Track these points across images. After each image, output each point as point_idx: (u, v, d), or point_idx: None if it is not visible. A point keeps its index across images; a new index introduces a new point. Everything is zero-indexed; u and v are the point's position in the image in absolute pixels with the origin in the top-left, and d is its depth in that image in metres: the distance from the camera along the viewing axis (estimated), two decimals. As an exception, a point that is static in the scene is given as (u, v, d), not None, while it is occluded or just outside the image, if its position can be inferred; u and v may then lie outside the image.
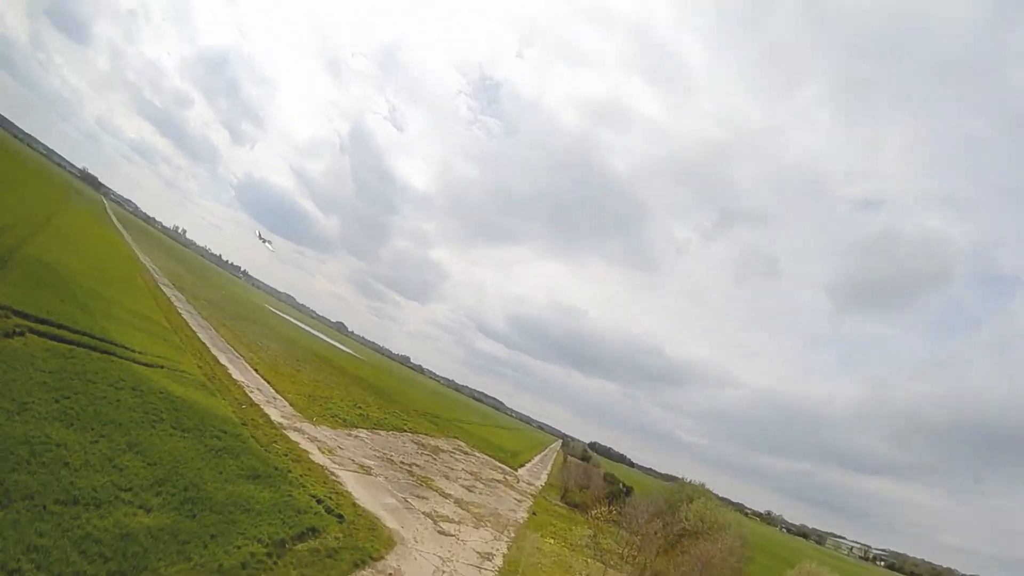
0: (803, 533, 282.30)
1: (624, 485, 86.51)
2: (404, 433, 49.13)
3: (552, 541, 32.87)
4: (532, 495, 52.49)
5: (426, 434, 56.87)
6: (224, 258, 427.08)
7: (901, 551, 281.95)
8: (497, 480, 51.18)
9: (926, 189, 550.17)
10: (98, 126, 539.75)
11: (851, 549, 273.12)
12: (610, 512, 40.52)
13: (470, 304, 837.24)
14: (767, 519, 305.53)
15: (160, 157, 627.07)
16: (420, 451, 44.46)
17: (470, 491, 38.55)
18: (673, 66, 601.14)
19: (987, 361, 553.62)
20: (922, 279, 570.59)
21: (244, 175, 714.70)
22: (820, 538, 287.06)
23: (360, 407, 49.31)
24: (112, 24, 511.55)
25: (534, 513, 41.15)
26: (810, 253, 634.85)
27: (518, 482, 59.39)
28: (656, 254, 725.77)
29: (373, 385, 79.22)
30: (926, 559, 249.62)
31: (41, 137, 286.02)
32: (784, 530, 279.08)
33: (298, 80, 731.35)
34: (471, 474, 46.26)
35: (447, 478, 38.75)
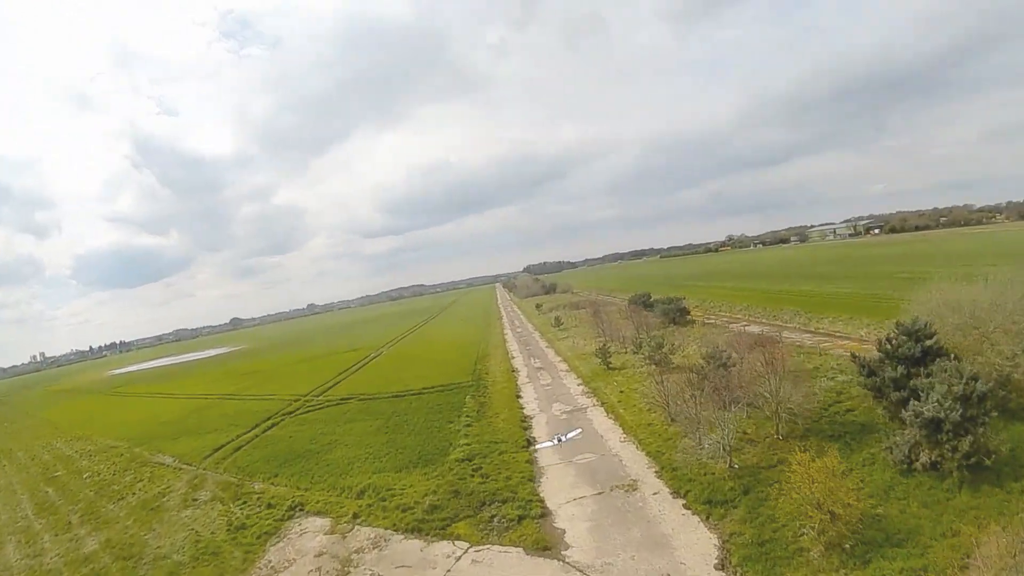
0: (780, 240, 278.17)
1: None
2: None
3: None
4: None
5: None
6: (92, 346, 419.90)
7: (857, 215, 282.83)
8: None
9: None
10: None
11: (834, 232, 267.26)
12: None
13: (340, 221, 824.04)
14: (736, 243, 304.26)
15: None
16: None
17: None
18: None
19: (841, 18, 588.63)
20: None
21: (72, 259, 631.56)
22: (801, 235, 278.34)
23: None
24: None
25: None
26: None
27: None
28: (479, 68, 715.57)
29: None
30: (916, 209, 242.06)
31: None
32: (759, 245, 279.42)
33: (55, 139, 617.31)
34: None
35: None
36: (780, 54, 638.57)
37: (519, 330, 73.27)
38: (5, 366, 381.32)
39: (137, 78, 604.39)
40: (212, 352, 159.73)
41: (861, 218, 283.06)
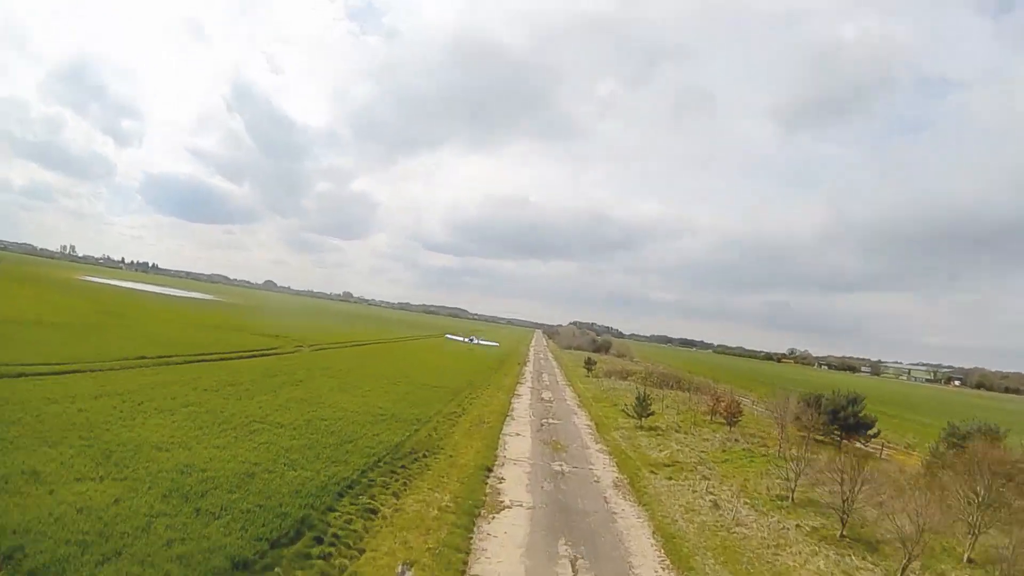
0: (848, 366, 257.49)
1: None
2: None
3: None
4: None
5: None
6: (124, 259, 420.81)
7: (912, 361, 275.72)
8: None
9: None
10: None
11: (909, 372, 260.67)
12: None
13: (408, 224, 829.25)
14: (798, 357, 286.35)
15: (56, 192, 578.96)
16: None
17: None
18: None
19: (941, 162, 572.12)
20: (865, 87, 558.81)
21: (142, 175, 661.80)
22: (874, 368, 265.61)
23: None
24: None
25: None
26: (746, 79, 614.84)
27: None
28: (580, 118, 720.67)
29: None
30: (980, 367, 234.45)
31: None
32: (824, 367, 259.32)
33: (161, 58, 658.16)
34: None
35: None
36: (871, 181, 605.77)
37: (546, 396, 43.34)
38: (36, 245, 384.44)
39: (255, 29, 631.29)
40: (190, 294, 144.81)
41: (940, 365, 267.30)
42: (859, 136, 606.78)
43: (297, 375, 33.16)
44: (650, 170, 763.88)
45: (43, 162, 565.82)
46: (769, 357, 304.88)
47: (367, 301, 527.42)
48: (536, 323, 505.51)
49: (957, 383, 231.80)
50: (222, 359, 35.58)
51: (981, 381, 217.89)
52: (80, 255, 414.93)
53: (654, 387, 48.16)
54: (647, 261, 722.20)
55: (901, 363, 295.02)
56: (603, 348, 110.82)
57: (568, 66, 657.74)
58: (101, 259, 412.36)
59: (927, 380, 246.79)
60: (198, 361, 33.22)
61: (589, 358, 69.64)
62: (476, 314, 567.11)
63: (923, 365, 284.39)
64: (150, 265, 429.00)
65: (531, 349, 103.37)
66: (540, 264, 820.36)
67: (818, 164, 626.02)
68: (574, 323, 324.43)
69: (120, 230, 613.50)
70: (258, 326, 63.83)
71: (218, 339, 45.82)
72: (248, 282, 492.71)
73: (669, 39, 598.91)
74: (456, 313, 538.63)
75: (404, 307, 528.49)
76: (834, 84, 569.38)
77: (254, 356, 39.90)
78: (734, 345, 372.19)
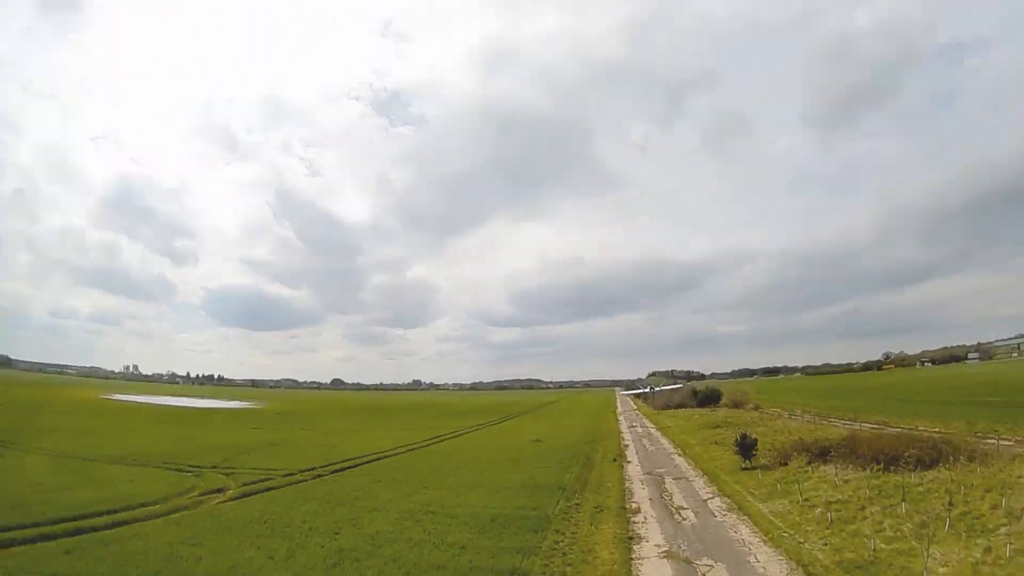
0: (952, 357, 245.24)
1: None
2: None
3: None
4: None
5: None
6: (190, 373, 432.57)
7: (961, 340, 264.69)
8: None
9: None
10: (53, 317, 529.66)
11: (1019, 347, 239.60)
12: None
13: (468, 304, 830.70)
14: (898, 360, 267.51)
15: (120, 315, 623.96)
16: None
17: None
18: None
19: (983, 125, 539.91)
20: (888, 69, 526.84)
21: (202, 291, 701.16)
22: (984, 352, 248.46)
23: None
24: (7, 211, 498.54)
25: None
26: (774, 93, 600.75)
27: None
28: (620, 166, 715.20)
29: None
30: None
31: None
32: (928, 363, 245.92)
33: (203, 174, 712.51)
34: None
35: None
36: (915, 166, 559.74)
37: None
38: (105, 368, 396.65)
39: (287, 136, 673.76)
40: (232, 404, 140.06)
41: None
42: (895, 124, 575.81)
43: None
44: (697, 205, 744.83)
45: (105, 288, 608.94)
46: (867, 368, 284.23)
47: (438, 386, 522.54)
48: (613, 380, 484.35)
49: None
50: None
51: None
52: (146, 373, 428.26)
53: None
54: (710, 297, 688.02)
55: (1005, 339, 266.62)
56: (712, 400, 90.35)
57: (596, 117, 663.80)
58: (165, 375, 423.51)
59: None
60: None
61: (744, 437, 39.61)
62: (551, 382, 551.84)
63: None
64: (215, 377, 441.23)
65: (620, 420, 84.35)
66: (606, 321, 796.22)
67: (861, 162, 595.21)
68: (653, 374, 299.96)
69: (185, 346, 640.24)
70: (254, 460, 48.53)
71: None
72: (318, 383, 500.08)
73: (689, 70, 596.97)
74: (531, 384, 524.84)
75: (476, 386, 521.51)
76: (859, 75, 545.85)
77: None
78: (819, 363, 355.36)
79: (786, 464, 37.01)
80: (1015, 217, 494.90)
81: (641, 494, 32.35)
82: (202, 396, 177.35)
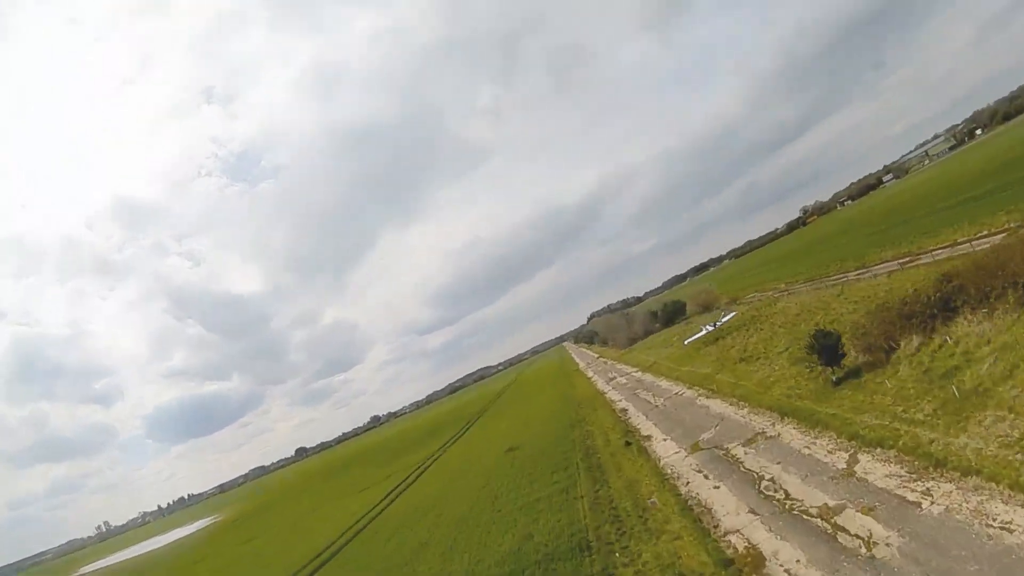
0: (868, 186, 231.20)
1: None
2: None
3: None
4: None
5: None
6: (160, 505, 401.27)
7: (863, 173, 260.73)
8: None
9: None
10: (13, 510, 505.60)
11: (927, 153, 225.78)
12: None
13: (393, 325, 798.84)
14: (817, 210, 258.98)
15: (77, 478, 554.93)
16: None
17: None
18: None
19: None
20: None
21: (140, 421, 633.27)
22: (896, 171, 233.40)
23: None
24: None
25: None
26: (600, 9, 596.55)
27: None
28: (479, 136, 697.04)
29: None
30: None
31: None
32: (848, 202, 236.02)
33: (90, 309, 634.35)
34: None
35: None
36: (757, 28, 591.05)
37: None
38: (81, 536, 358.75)
39: (157, 237, 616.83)
40: (192, 527, 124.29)
41: (954, 126, 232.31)
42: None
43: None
44: (566, 146, 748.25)
45: (50, 459, 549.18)
46: (792, 228, 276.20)
47: (395, 414, 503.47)
48: (558, 337, 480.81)
49: (980, 132, 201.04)
50: None
51: (1008, 112, 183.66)
52: (118, 525, 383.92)
53: None
54: (613, 224, 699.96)
55: (907, 154, 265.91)
56: (677, 312, 77.40)
57: (440, 99, 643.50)
58: (138, 518, 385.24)
59: (950, 149, 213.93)
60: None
61: (824, 335, 24.31)
62: (500, 363, 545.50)
63: (935, 139, 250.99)
64: (185, 498, 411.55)
65: (592, 377, 69.02)
66: (527, 285, 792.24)
67: (707, 46, 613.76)
68: (592, 316, 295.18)
69: (147, 481, 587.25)
70: None
71: None
72: (285, 458, 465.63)
73: (513, 19, 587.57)
74: (482, 375, 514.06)
75: (432, 398, 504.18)
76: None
77: None
78: (741, 243, 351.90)
79: (893, 351, 22.50)
80: (861, 45, 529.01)
81: (727, 502, 16.48)
82: (167, 529, 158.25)
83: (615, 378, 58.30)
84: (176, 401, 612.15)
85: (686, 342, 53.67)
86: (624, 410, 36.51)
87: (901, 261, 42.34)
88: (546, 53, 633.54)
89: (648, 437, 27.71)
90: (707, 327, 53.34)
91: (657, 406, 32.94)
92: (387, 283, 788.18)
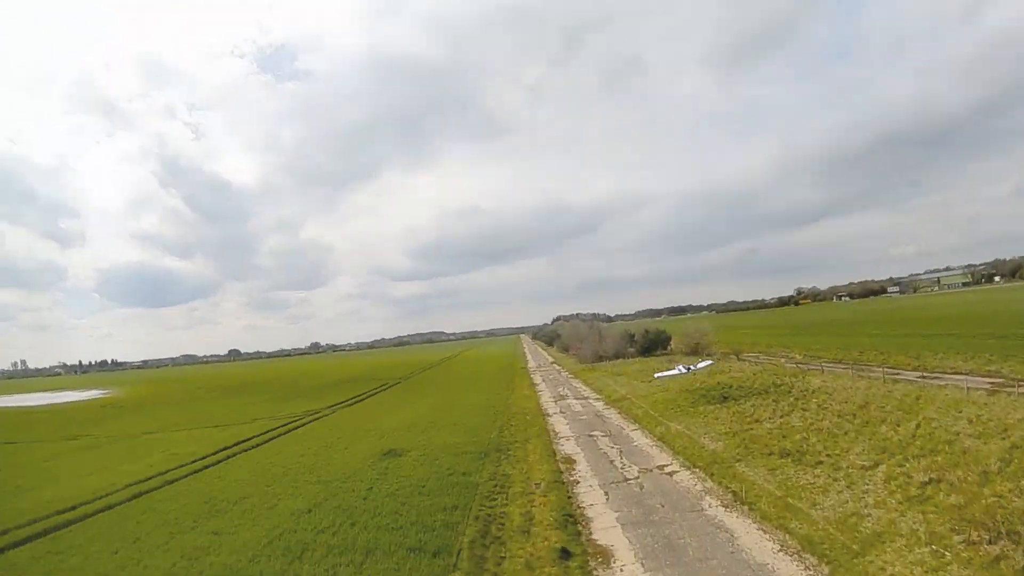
0: (871, 291, 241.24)
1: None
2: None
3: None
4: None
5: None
6: (81, 361, 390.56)
7: (862, 278, 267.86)
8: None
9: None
10: None
11: (938, 281, 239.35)
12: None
13: (367, 261, 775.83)
14: (810, 295, 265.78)
15: (14, 308, 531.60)
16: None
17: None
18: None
19: (877, 67, 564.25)
20: (790, 13, 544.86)
21: (95, 272, 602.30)
22: (904, 286, 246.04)
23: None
24: None
25: None
26: (672, 34, 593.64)
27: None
28: (513, 110, 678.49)
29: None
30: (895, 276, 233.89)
31: None
32: (844, 298, 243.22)
33: (83, 148, 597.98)
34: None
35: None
36: (814, 110, 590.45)
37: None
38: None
39: (171, 99, 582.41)
40: (80, 395, 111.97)
41: (972, 265, 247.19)
42: (793, 70, 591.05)
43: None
44: (594, 149, 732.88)
45: None
46: (783, 303, 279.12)
47: (337, 347, 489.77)
48: (519, 327, 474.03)
49: (999, 279, 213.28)
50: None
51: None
52: (34, 367, 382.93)
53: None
54: (610, 239, 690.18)
55: (916, 274, 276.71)
56: (659, 344, 65.59)
57: (489, 61, 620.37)
58: (57, 367, 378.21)
59: (963, 284, 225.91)
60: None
61: None
62: (454, 333, 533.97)
63: (948, 271, 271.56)
64: (109, 362, 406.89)
65: (540, 387, 56.65)
66: (507, 269, 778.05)
67: (760, 105, 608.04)
68: (558, 318, 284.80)
69: (84, 333, 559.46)
70: None
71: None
72: (217, 355, 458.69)
73: (587, 11, 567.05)
74: (432, 338, 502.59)
75: (376, 344, 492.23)
76: (758, 17, 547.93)
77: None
78: (724, 301, 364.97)
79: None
80: (907, 158, 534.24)
81: None
82: (61, 388, 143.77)
83: (566, 397, 45.91)
84: (135, 264, 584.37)
85: (656, 375, 46.49)
86: (570, 460, 24.02)
87: (992, 380, 31.10)
88: (606, 53, 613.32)
89: (607, 555, 14.94)
90: (680, 367, 47.47)
91: (628, 479, 20.44)
92: (376, 220, 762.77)
